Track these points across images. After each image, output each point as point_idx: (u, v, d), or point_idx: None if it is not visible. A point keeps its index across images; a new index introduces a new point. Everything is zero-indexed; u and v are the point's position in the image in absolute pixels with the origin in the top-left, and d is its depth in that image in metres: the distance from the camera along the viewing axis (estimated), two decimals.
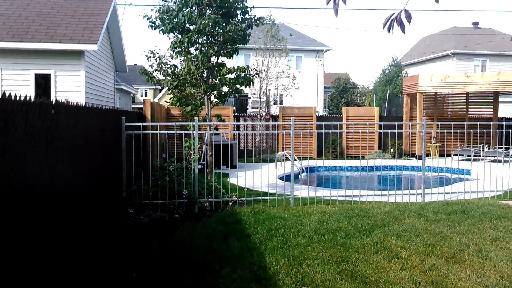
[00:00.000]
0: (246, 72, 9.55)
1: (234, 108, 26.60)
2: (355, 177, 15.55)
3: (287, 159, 17.17)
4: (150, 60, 9.53)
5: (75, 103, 5.68)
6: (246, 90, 22.00)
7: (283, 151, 19.70)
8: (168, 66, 9.44)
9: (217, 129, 17.05)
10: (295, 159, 15.85)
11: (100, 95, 14.65)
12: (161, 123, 9.23)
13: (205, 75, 9.48)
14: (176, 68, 9.49)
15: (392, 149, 20.30)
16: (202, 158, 16.17)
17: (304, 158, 19.30)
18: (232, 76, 9.54)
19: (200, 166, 15.96)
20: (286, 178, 14.61)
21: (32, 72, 12.33)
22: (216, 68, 9.48)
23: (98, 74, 14.20)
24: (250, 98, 27.76)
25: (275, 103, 26.20)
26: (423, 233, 7.05)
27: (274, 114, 21.04)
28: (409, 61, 47.13)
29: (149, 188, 8.55)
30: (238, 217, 8.03)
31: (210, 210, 8.81)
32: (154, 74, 9.59)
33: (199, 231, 7.08)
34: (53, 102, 4.62)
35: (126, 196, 8.53)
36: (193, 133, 8.78)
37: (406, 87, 21.55)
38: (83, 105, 6.04)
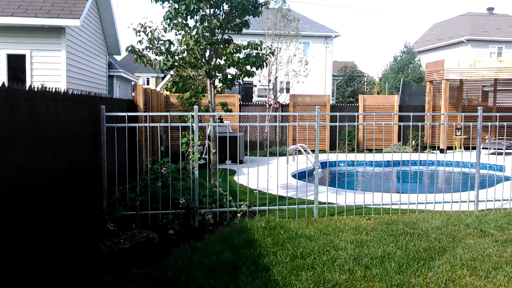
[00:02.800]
0: (258, 50, 7.64)
1: (240, 96, 24.76)
2: (378, 174, 13.72)
3: (299, 152, 15.33)
4: (139, 35, 7.65)
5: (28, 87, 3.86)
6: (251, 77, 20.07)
7: (294, 144, 17.85)
8: (162, 42, 7.55)
9: (221, 119, 15.19)
10: (308, 152, 13.99)
11: (88, 80, 12.78)
12: (151, 113, 7.39)
13: (207, 53, 7.58)
14: (172, 45, 7.60)
15: (414, 142, 18.39)
16: (204, 152, 14.32)
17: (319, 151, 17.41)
18: (241, 55, 7.62)
19: (202, 161, 14.15)
20: (300, 176, 12.76)
21: (4, 53, 10.48)
22: (221, 45, 7.56)
23: (84, 56, 12.32)
24: (255, 86, 25.82)
25: (283, 91, 24.30)
26: (500, 262, 5.21)
27: (284, 103, 19.12)
28: (421, 48, 44.95)
29: (135, 196, 6.71)
30: (250, 235, 6.20)
31: (214, 223, 6.99)
32: (145, 52, 7.70)
33: (198, 259, 5.25)
34: None
35: (107, 206, 6.70)
36: (192, 126, 6.92)
37: (429, 73, 19.58)
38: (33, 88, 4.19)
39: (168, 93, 13.81)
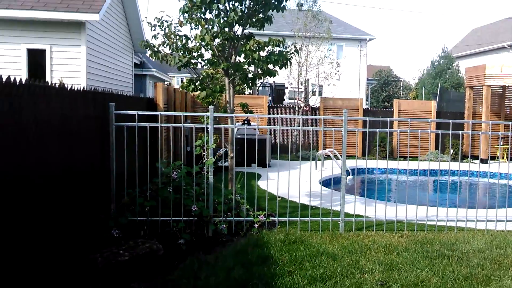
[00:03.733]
0: (281, 47, 6.98)
1: (270, 98, 24.13)
2: (413, 184, 12.83)
3: (328, 157, 14.59)
4: (154, 29, 7.12)
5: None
6: (282, 78, 19.39)
7: (324, 148, 17.13)
8: (178, 37, 7.00)
9: (249, 122, 14.61)
10: (337, 158, 13.24)
11: (110, 77, 12.40)
12: (163, 113, 6.86)
13: (226, 50, 6.98)
14: (189, 41, 7.05)
15: (452, 150, 17.37)
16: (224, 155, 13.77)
17: (348, 157, 16.62)
18: (263, 54, 6.97)
19: (227, 163, 13.59)
20: (328, 183, 12.05)
21: (24, 47, 10.18)
22: (241, 42, 6.94)
23: (106, 53, 11.94)
24: (287, 88, 25.14)
25: (314, 94, 23.54)
26: None
27: (314, 106, 18.39)
28: (459, 53, 43.28)
29: (144, 201, 6.18)
30: (265, 250, 5.57)
31: (229, 233, 6.39)
32: (161, 48, 7.17)
33: (205, 277, 4.66)
34: None
35: (115, 211, 6.20)
36: (206, 127, 6.34)
37: (469, 79, 18.51)
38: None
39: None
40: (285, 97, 25.98)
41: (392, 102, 46.03)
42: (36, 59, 10.25)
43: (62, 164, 4.69)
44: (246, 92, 16.25)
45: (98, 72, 11.21)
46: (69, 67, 10.28)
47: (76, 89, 4.98)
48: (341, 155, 13.34)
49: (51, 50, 10.23)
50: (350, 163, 12.59)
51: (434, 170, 14.11)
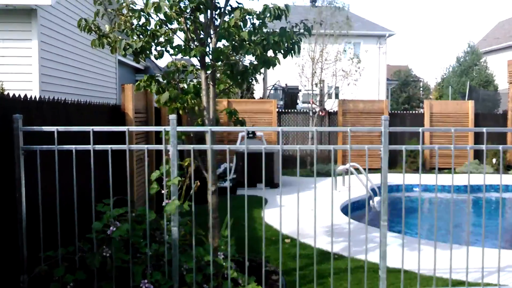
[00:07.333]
0: (281, 20, 4.52)
1: (281, 102, 21.75)
2: (460, 204, 10.35)
3: (350, 172, 12.15)
4: (99, 3, 4.80)
5: None
6: (295, 80, 16.93)
7: (343, 163, 14.69)
8: (132, 13, 4.65)
9: (254, 134, 12.24)
10: (360, 172, 10.77)
11: (81, 81, 10.10)
12: (103, 128, 4.49)
13: (200, 29, 4.60)
14: (151, 19, 4.72)
15: (494, 160, 14.73)
16: (231, 171, 11.40)
17: (372, 171, 14.06)
18: (255, 38, 4.52)
19: (229, 184, 11.22)
20: (354, 207, 9.61)
21: None
22: (222, 15, 4.54)
23: (72, 49, 9.63)
24: (300, 91, 22.68)
25: (330, 96, 21.05)
26: None
27: (331, 110, 15.90)
28: (487, 48, 40.29)
29: (62, 271, 3.84)
30: None
31: None
32: (106, 27, 4.82)
33: None
34: None
35: (23, 287, 3.88)
36: (165, 150, 3.99)
37: None
38: None
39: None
40: (298, 101, 23.54)
41: (413, 103, 43.55)
42: None
43: None
44: (235, 91, 13.82)
45: (58, 75, 8.91)
46: (17, 68, 8.03)
47: None
48: (364, 168, 10.61)
49: None
50: (375, 179, 10.15)
51: (477, 185, 11.62)
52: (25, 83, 7.93)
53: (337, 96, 25.09)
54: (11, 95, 4.01)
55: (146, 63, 25.13)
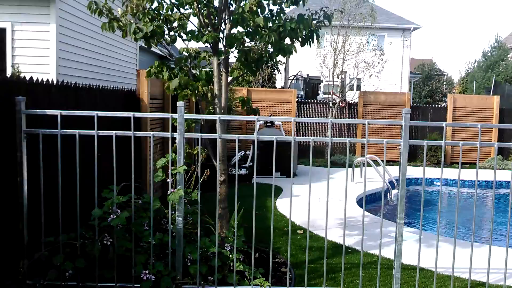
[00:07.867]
0: (299, 5, 4.37)
1: (302, 92, 21.51)
2: (481, 201, 10.12)
3: (368, 164, 11.97)
4: None
5: None
6: (317, 71, 16.68)
7: (361, 154, 14.48)
8: None
9: (272, 123, 12.09)
10: (378, 164, 10.61)
11: (99, 66, 10.10)
12: (102, 113, 4.39)
13: (214, 14, 4.48)
14: (164, 3, 4.62)
15: None
16: (249, 159, 11.33)
17: (391, 163, 13.83)
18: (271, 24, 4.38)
19: (244, 171, 11.15)
20: (371, 200, 9.49)
21: None
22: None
23: (91, 34, 9.60)
24: (322, 81, 22.41)
25: (351, 88, 20.73)
26: None
27: (352, 102, 15.67)
28: None
29: (62, 258, 3.81)
30: None
31: None
32: (118, 11, 4.75)
33: None
34: None
35: (26, 271, 3.86)
36: (172, 138, 3.92)
37: None
38: None
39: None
40: (319, 92, 23.27)
41: (435, 97, 42.76)
42: None
43: None
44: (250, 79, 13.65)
45: (76, 59, 8.92)
46: (36, 51, 8.04)
47: None
48: (382, 160, 10.42)
49: (12, 30, 8.01)
50: (393, 171, 9.98)
51: (499, 181, 11.40)
52: (43, 66, 7.95)
53: (358, 87, 24.80)
54: (27, 78, 3.96)
55: (170, 51, 25.25)
